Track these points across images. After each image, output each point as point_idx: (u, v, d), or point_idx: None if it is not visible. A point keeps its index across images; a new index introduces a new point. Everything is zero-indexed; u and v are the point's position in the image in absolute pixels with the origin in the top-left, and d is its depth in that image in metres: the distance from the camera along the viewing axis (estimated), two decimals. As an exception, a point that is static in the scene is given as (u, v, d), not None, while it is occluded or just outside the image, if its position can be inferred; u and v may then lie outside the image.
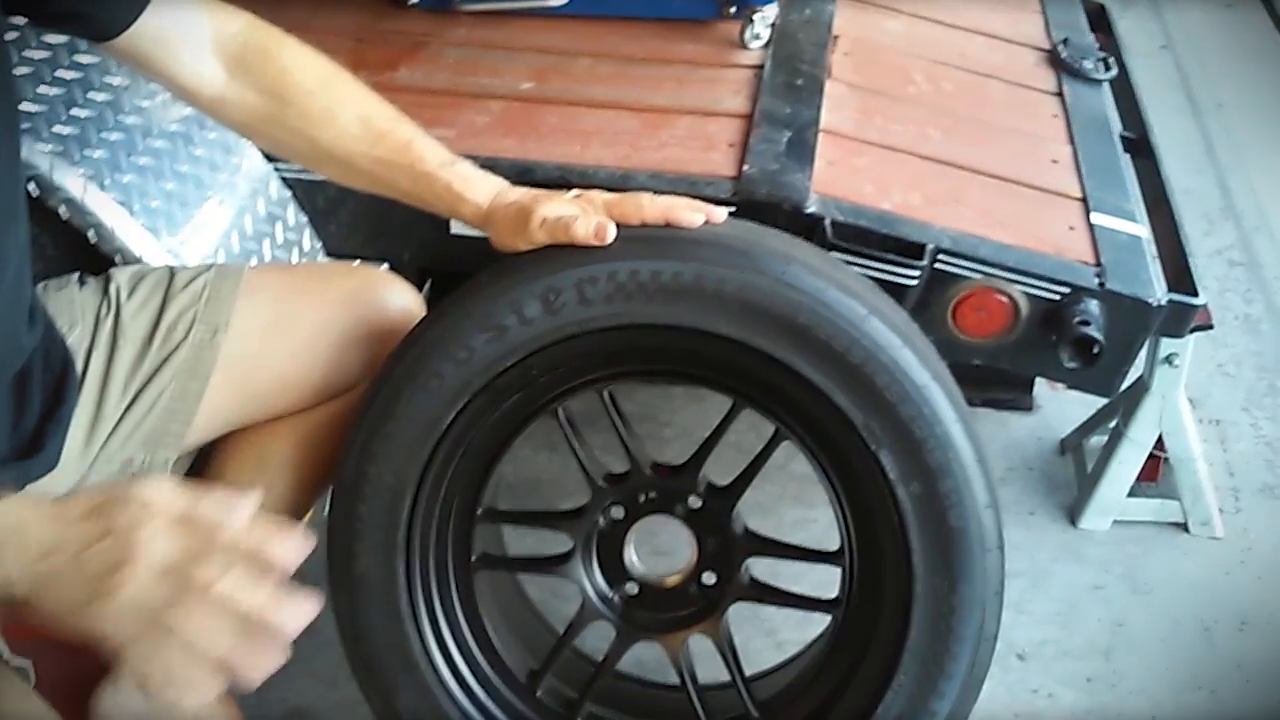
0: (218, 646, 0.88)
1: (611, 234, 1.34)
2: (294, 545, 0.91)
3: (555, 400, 1.49)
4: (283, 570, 0.90)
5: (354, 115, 1.43)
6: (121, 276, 1.50)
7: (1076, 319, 1.78)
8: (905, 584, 1.42)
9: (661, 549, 1.83)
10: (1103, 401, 2.24)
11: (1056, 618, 2.09)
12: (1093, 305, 1.81)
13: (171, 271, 1.51)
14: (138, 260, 1.67)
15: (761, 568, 1.58)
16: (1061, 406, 2.47)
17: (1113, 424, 2.21)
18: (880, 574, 1.46)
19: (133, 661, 0.88)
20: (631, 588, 1.58)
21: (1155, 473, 2.22)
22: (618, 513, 1.55)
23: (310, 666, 1.96)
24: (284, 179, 1.89)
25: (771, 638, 1.98)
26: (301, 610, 0.90)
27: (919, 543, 1.40)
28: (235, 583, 0.89)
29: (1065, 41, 2.43)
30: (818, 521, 2.18)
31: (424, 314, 1.53)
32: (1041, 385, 2.48)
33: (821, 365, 1.37)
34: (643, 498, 1.54)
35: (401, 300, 1.55)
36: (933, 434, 1.37)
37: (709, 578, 1.56)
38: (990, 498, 1.41)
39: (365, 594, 1.48)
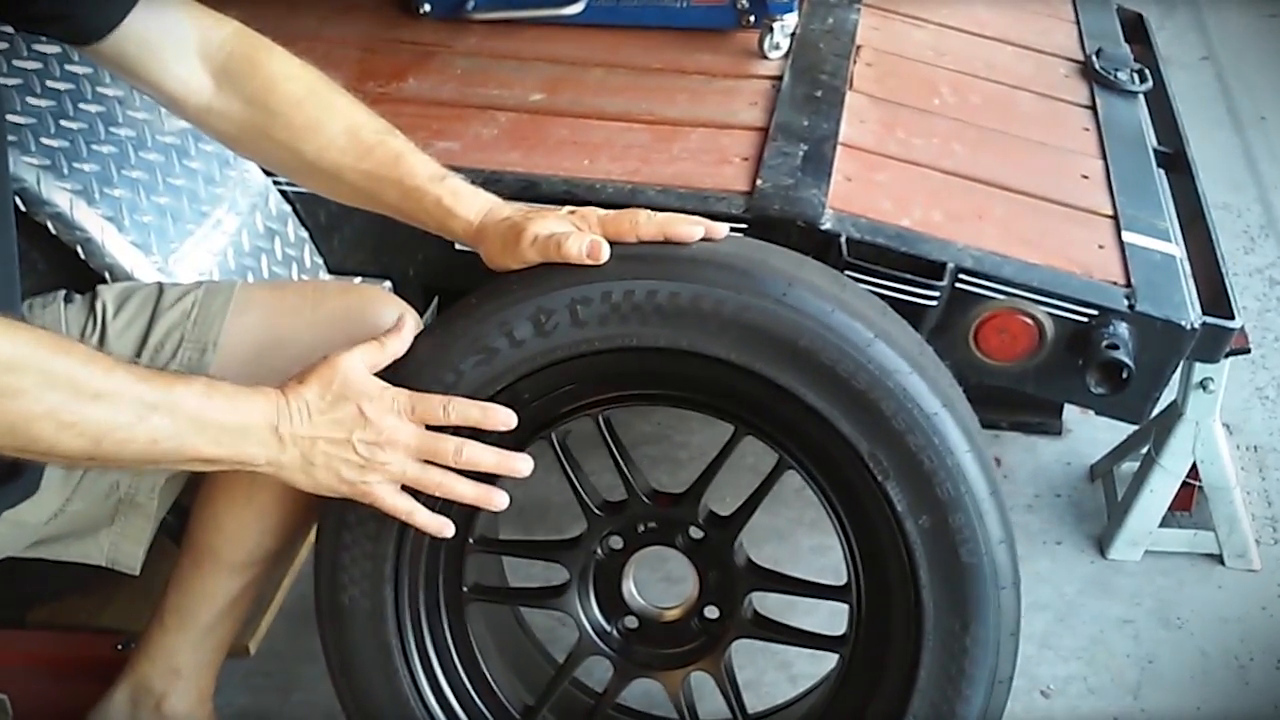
0: (464, 493, 1.29)
1: (605, 252, 1.29)
2: (499, 414, 1.30)
3: (548, 426, 1.43)
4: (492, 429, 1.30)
5: (341, 127, 1.39)
6: (108, 294, 1.46)
7: (1104, 342, 1.70)
8: (914, 623, 1.36)
9: (672, 576, 1.77)
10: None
11: (1083, 653, 2.00)
12: (1122, 328, 1.72)
13: (160, 288, 1.47)
14: (128, 277, 1.63)
15: (774, 599, 1.52)
16: (1092, 431, 2.39)
17: (1144, 450, 2.12)
18: (889, 612, 1.40)
19: (388, 508, 1.29)
20: (630, 621, 1.52)
21: (1189, 502, 2.13)
22: (616, 543, 1.49)
23: (310, 695, 1.92)
24: (284, 193, 1.85)
25: (785, 671, 1.91)
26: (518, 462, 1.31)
27: (929, 579, 1.34)
28: (470, 451, 1.28)
29: (1099, 52, 2.34)
30: (835, 549, 2.07)
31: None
32: (1071, 409, 2.39)
33: (825, 391, 1.31)
34: (641, 527, 1.48)
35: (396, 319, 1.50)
36: (943, 465, 1.31)
37: (711, 612, 1.49)
38: (1005, 532, 1.34)
39: (352, 625, 1.44)
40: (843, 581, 1.45)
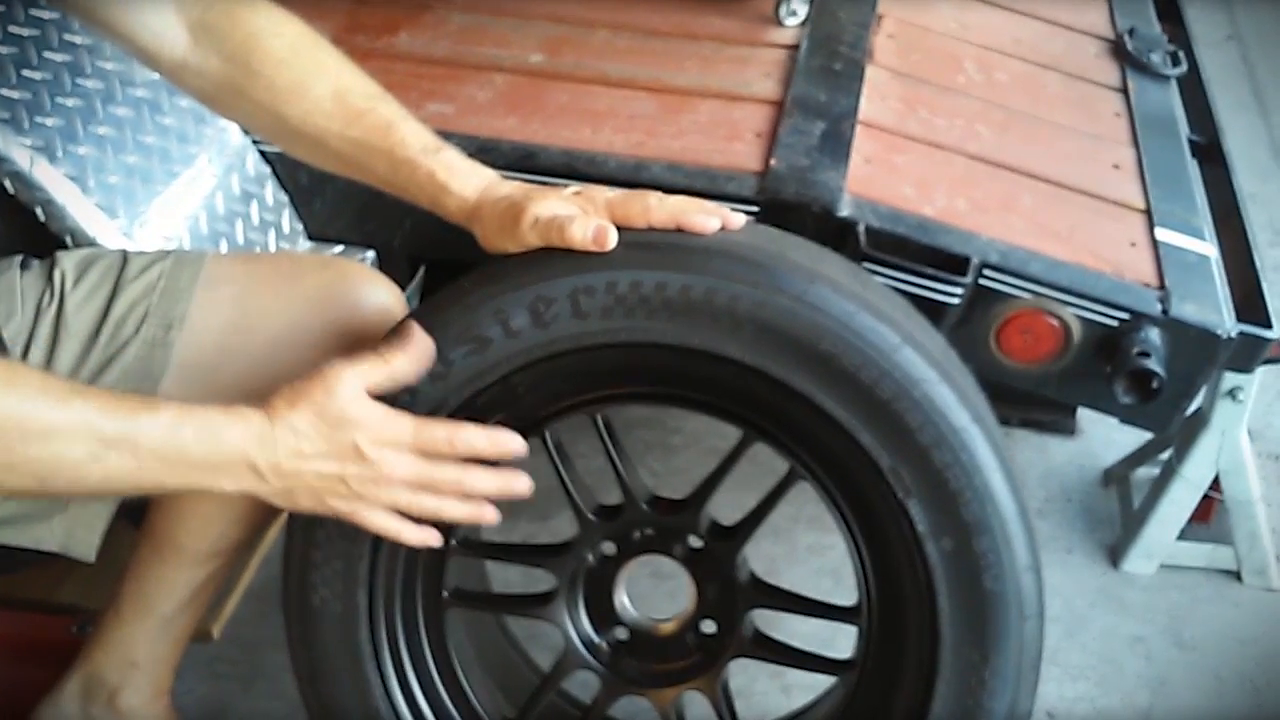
0: (456, 516, 1.19)
1: (613, 239, 1.19)
2: (508, 443, 1.18)
3: (542, 423, 1.33)
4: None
5: (328, 90, 1.28)
6: (68, 261, 1.36)
7: (1135, 349, 1.60)
8: (930, 651, 1.27)
9: (660, 573, 1.66)
10: (1153, 428, 2.04)
11: (1092, 672, 1.92)
12: (1153, 334, 1.63)
13: (125, 257, 1.37)
14: (91, 242, 1.53)
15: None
16: (1106, 432, 2.29)
17: (1164, 457, 2.03)
18: (902, 638, 1.31)
19: (374, 529, 1.18)
20: (621, 633, 1.42)
21: (1207, 514, 2.04)
22: (608, 549, 1.39)
23: (275, 685, 1.84)
24: (263, 153, 1.74)
25: (777, 680, 1.82)
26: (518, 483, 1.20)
27: (948, 606, 1.25)
28: (471, 483, 1.17)
29: (1131, 31, 2.23)
30: (834, 549, 2.01)
31: (404, 315, 1.37)
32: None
33: (846, 399, 1.21)
34: (637, 534, 1.38)
35: (379, 299, 1.40)
36: (970, 484, 1.21)
37: (708, 626, 1.39)
38: (1032, 558, 1.25)
39: (322, 629, 1.35)
40: (851, 589, 1.35)
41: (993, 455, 1.22)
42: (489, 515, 1.20)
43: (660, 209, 1.22)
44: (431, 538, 1.21)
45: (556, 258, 1.19)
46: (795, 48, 1.98)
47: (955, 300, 1.62)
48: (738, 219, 1.25)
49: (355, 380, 1.14)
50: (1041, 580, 1.26)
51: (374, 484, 1.15)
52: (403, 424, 1.15)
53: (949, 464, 1.20)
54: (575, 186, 1.27)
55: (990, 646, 1.25)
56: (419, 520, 1.19)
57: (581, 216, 1.19)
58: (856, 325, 1.19)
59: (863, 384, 1.19)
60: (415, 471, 1.16)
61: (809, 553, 2.04)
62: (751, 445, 1.32)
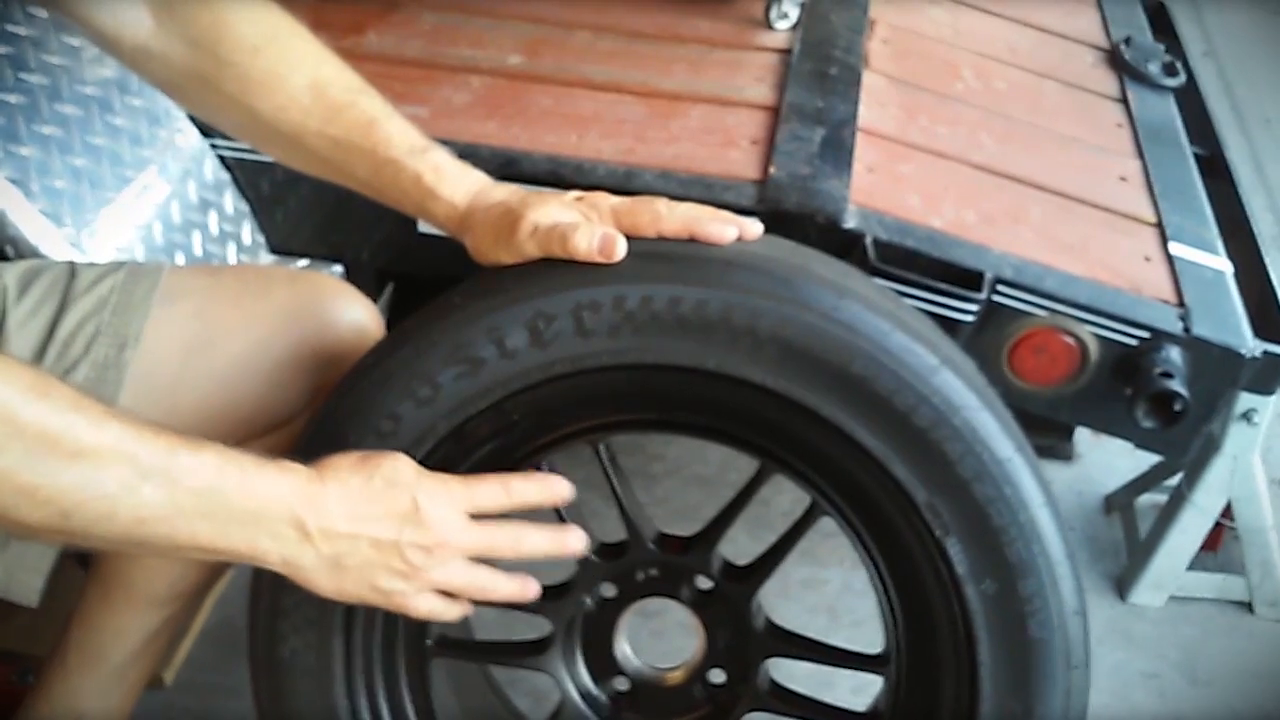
0: (505, 594, 1.08)
1: (620, 249, 1.08)
2: (559, 489, 1.09)
3: (538, 452, 1.21)
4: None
5: (305, 83, 1.18)
6: (10, 274, 1.24)
7: (1157, 370, 1.53)
8: (967, 704, 1.16)
9: (647, 610, 1.56)
10: (1154, 452, 1.96)
11: (1105, 711, 1.82)
12: (1174, 354, 1.56)
13: (73, 269, 1.26)
14: (35, 253, 1.42)
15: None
16: (1105, 456, 2.21)
17: (1172, 482, 1.95)
18: (936, 689, 1.20)
19: (419, 616, 1.07)
20: (622, 684, 1.30)
21: (1216, 542, 1.95)
22: (609, 592, 1.27)
23: None
24: (222, 158, 1.63)
25: None
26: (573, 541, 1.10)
27: (989, 655, 1.14)
28: (528, 543, 1.07)
29: (1127, 41, 2.16)
30: (830, 583, 1.90)
31: (381, 333, 1.29)
32: (1082, 431, 2.20)
33: (878, 427, 1.10)
34: (641, 575, 1.26)
35: (354, 315, 1.30)
36: (1015, 521, 1.11)
37: (718, 676, 1.28)
38: (1079, 602, 1.15)
39: (293, 682, 1.23)
40: (865, 622, 1.25)
41: (1038, 489, 1.12)
42: (532, 588, 1.09)
43: (671, 217, 1.12)
44: (467, 610, 1.09)
45: (558, 270, 1.08)
46: (787, 52, 1.90)
47: (969, 318, 1.53)
48: (756, 228, 1.14)
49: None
50: (1088, 625, 1.16)
51: (430, 555, 1.02)
52: (455, 485, 1.05)
53: (992, 499, 1.10)
54: (577, 192, 1.16)
55: (1035, 699, 1.15)
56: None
57: (585, 225, 1.09)
58: (891, 345, 1.08)
59: (898, 410, 1.09)
60: (473, 540, 1.05)
61: (803, 588, 1.93)
62: (770, 476, 1.21)
